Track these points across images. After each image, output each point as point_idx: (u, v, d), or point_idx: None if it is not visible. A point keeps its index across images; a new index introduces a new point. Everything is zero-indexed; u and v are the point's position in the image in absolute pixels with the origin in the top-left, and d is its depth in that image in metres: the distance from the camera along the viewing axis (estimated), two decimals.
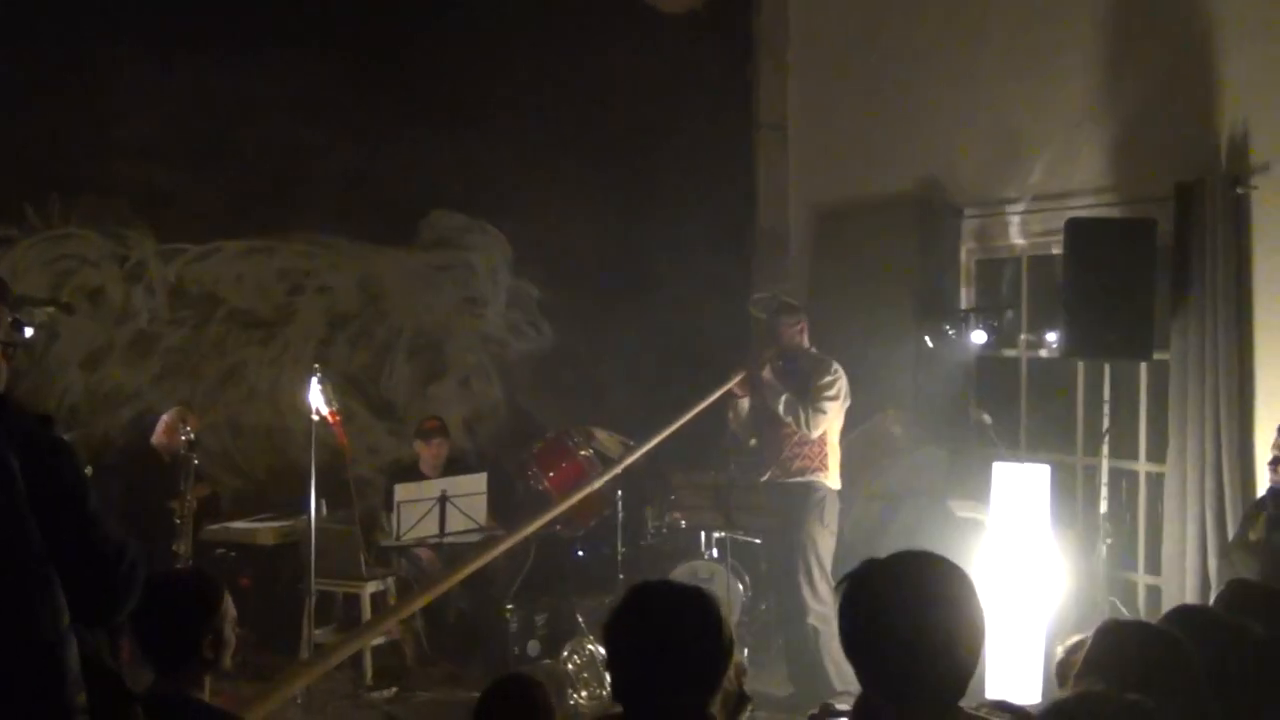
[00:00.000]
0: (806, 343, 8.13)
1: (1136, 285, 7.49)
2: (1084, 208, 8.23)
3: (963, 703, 2.62)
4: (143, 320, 9.62)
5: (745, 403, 8.13)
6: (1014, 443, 8.94)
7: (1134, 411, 8.35)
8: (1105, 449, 8.00)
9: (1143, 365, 8.06)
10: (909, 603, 2.58)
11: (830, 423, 7.90)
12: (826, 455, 7.92)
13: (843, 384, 7.91)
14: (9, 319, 3.19)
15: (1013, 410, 9.10)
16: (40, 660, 2.50)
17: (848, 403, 7.98)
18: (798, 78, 10.66)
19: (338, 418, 7.89)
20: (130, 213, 9.55)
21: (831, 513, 7.91)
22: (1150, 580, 8.23)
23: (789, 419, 7.83)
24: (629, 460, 7.83)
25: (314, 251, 10.05)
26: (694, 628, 2.96)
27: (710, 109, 10.43)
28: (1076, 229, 7.68)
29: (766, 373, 7.98)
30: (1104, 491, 7.94)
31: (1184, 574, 7.60)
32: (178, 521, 8.05)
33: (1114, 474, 8.12)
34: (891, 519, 8.88)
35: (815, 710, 3.88)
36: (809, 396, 7.84)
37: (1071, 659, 3.53)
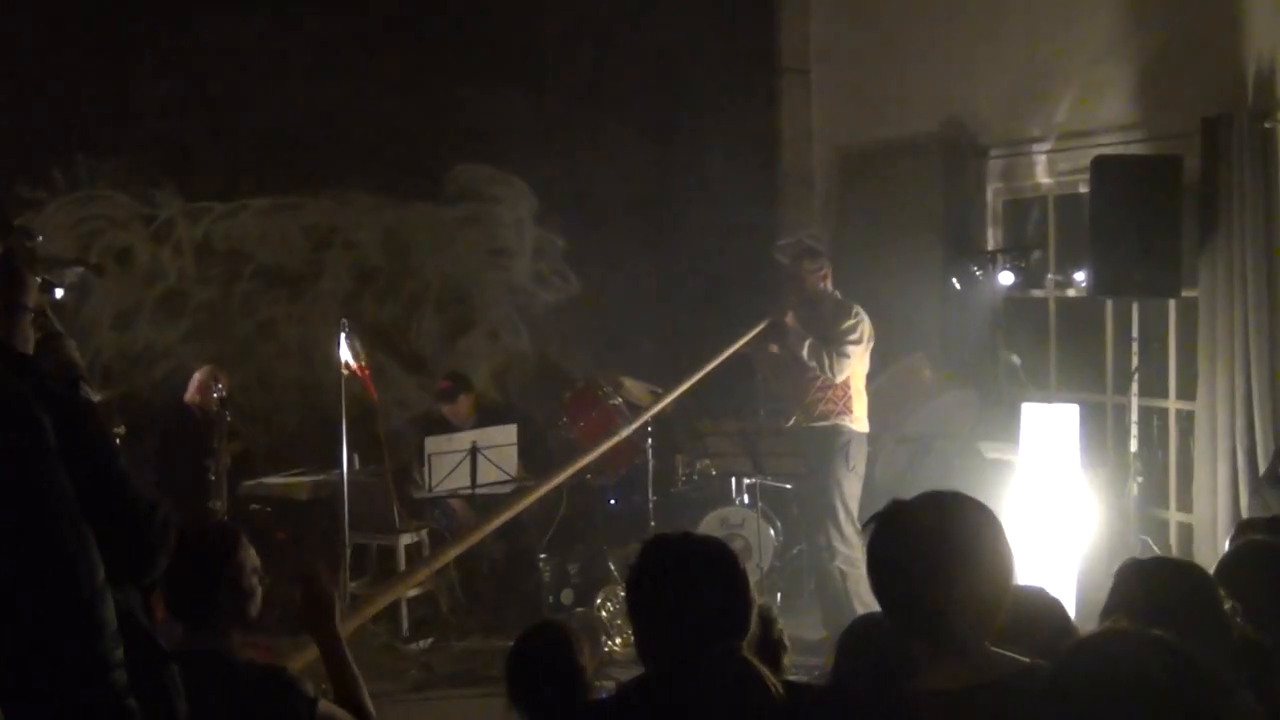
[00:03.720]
0: (830, 287, 8.12)
1: (1164, 222, 7.45)
2: (1110, 145, 8.17)
3: None
4: (171, 279, 9.65)
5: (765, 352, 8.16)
6: (1043, 383, 8.93)
7: (1163, 349, 8.32)
8: (1135, 388, 7.99)
9: (1171, 303, 8.03)
10: (934, 543, 2.59)
11: (854, 366, 7.91)
12: (851, 399, 7.94)
13: (865, 327, 7.92)
14: (37, 281, 3.21)
15: (1042, 351, 9.08)
16: (77, 615, 2.52)
17: (870, 345, 7.99)
18: (819, 20, 10.60)
19: (367, 371, 7.92)
20: (156, 173, 9.57)
21: (857, 456, 7.94)
22: (1182, 518, 8.22)
23: (813, 364, 7.84)
24: (656, 408, 7.88)
25: (339, 207, 10.03)
26: (711, 578, 2.92)
27: (732, 54, 10.37)
28: (1102, 167, 7.64)
29: (790, 319, 7.98)
30: (1134, 430, 7.94)
31: (1215, 510, 7.58)
32: (212, 478, 8.14)
33: (1144, 412, 8.11)
34: (921, 462, 8.89)
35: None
36: (832, 341, 7.85)
37: None
